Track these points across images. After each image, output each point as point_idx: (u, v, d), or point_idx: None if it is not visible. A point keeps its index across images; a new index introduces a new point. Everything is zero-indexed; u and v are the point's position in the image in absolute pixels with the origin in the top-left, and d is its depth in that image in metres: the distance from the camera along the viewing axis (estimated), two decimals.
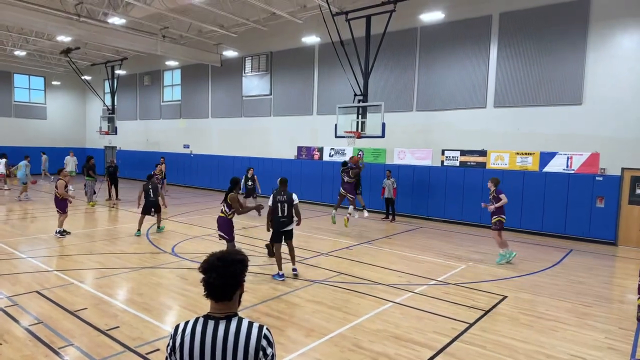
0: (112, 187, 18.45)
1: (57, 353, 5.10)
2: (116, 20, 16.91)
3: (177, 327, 2.17)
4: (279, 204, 8.21)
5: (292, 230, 8.37)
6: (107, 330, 5.73)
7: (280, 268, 8.23)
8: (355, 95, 14.75)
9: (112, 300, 6.90)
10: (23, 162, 18.42)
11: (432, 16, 14.34)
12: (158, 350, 5.23)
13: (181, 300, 7.01)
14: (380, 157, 17.02)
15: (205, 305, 7.12)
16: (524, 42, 13.64)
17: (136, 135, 27.98)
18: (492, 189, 9.93)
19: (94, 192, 17.33)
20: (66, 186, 11.57)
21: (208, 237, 11.85)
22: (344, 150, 17.98)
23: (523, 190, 13.75)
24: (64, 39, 18.98)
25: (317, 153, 19.08)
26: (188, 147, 24.91)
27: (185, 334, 2.10)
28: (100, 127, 26.00)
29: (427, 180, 15.69)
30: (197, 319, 2.13)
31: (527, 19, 13.54)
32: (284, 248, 8.44)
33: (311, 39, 17.56)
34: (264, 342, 2.07)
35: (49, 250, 10.03)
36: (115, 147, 29.06)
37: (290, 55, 19.66)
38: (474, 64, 14.63)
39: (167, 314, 6.56)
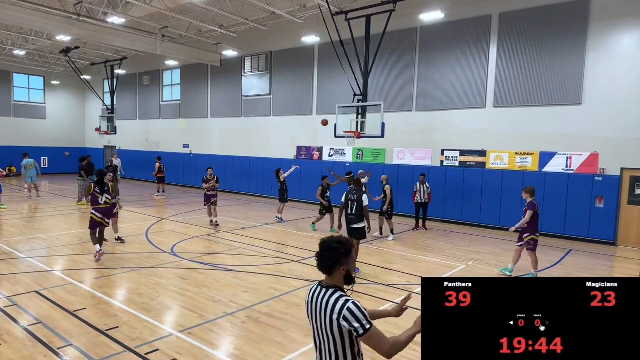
0: None
1: (56, 353, 5.09)
2: (116, 19, 16.90)
3: (310, 287, 2.81)
4: (349, 202, 8.77)
5: (362, 229, 8.68)
6: (107, 330, 5.73)
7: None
8: (355, 95, 14.76)
9: (112, 301, 6.89)
10: (32, 161, 18.40)
11: (431, 16, 14.34)
12: (157, 350, 5.22)
13: (180, 300, 7.00)
14: (380, 157, 17.02)
15: (204, 305, 7.04)
16: (523, 42, 13.64)
17: (136, 135, 27.96)
18: (529, 200, 8.62)
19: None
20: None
21: (207, 237, 11.85)
22: (343, 150, 17.98)
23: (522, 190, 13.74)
24: (63, 38, 18.96)
25: (316, 153, 19.07)
26: (188, 147, 24.90)
27: (310, 293, 2.76)
28: (99, 127, 25.91)
29: (426, 180, 15.64)
30: (317, 285, 2.74)
31: (527, 19, 13.53)
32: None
33: (311, 39, 17.56)
34: (346, 313, 2.50)
35: (48, 250, 10.02)
36: (115, 146, 29.04)
37: (290, 55, 19.65)
38: (474, 63, 14.62)
39: (166, 314, 6.55)
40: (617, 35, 12.28)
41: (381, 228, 12.84)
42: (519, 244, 8.81)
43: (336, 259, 2.64)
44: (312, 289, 2.76)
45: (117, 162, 20.57)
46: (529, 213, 8.45)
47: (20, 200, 17.75)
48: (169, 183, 23.46)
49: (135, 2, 15.71)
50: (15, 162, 26.20)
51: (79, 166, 17.19)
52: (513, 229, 8.64)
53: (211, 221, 13.49)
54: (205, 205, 13.60)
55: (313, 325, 2.71)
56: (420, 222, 14.02)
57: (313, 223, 13.40)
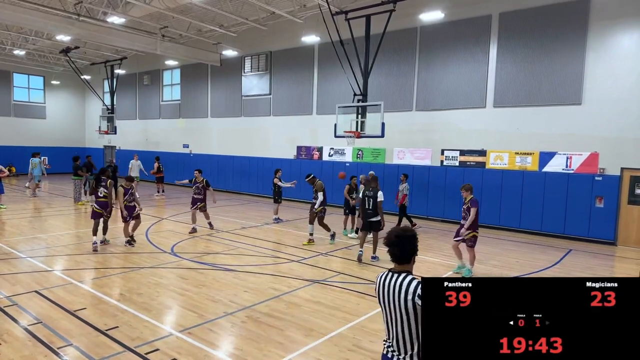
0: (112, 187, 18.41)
1: (56, 353, 5.09)
2: (115, 19, 16.90)
3: (378, 276, 3.03)
4: (366, 198, 9.74)
5: (378, 222, 9.63)
6: (107, 330, 5.73)
7: (361, 246, 9.86)
8: (355, 95, 14.75)
9: (112, 300, 6.89)
10: (36, 160, 18.47)
11: (431, 16, 14.33)
12: (157, 350, 5.22)
13: (180, 300, 7.00)
14: (380, 157, 17.02)
15: (204, 305, 7.02)
16: (523, 42, 13.64)
17: (135, 134, 27.96)
18: (468, 197, 8.64)
19: (84, 192, 17.35)
20: (126, 193, 10.30)
21: (207, 237, 11.84)
22: (343, 150, 17.98)
23: (522, 190, 13.76)
24: (63, 38, 18.95)
25: (316, 153, 19.07)
26: (187, 147, 24.90)
27: (380, 280, 2.98)
28: (99, 127, 25.98)
29: (426, 180, 15.68)
30: (387, 272, 2.97)
31: (527, 19, 13.53)
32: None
33: (311, 39, 17.55)
34: (420, 291, 2.71)
35: (48, 250, 10.02)
36: (115, 146, 29.05)
37: (290, 55, 19.64)
38: (474, 63, 14.62)
39: (166, 314, 6.55)
40: (617, 35, 12.28)
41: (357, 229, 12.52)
42: (456, 238, 8.85)
43: (415, 246, 2.94)
44: (382, 276, 2.99)
45: (137, 163, 20.27)
46: (473, 210, 8.46)
47: (20, 200, 17.75)
48: (169, 183, 23.46)
49: (135, 2, 15.70)
50: (15, 162, 26.20)
51: (73, 165, 17.22)
52: (464, 230, 8.59)
53: (194, 228, 12.27)
54: (191, 208, 12.54)
55: (385, 309, 2.93)
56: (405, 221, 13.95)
57: (344, 229, 12.78)
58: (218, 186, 22.70)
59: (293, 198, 18.91)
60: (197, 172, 12.75)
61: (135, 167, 19.89)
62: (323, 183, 11.70)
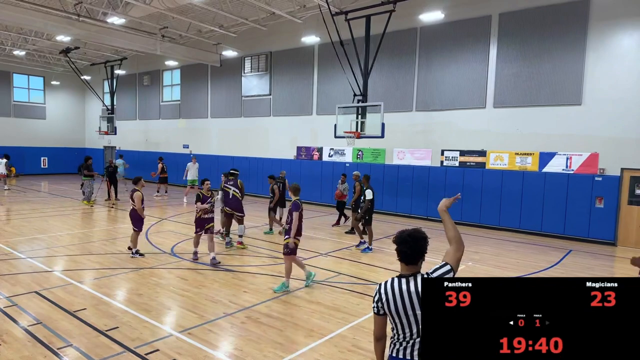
0: (111, 187, 18.44)
1: (56, 353, 5.09)
2: (115, 19, 16.90)
3: (380, 285, 2.95)
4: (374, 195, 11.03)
5: None
6: (106, 330, 5.72)
7: (370, 243, 10.82)
8: (355, 95, 14.75)
9: (111, 301, 6.88)
10: (120, 161, 19.39)
11: (431, 16, 14.34)
12: (157, 350, 5.22)
13: (180, 301, 7.00)
14: (380, 157, 17.02)
15: (204, 305, 6.99)
16: (523, 42, 13.64)
17: (135, 135, 27.96)
18: (293, 199, 7.65)
19: (92, 192, 17.35)
20: (143, 199, 9.53)
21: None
22: (343, 150, 17.98)
23: (522, 190, 13.76)
24: (63, 38, 18.97)
25: (316, 153, 19.07)
26: (187, 147, 24.89)
27: (387, 288, 2.89)
28: (99, 127, 25.99)
29: (426, 180, 15.68)
30: (393, 279, 2.91)
31: (527, 19, 13.54)
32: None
33: (311, 39, 17.56)
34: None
35: (48, 250, 10.01)
36: (115, 147, 29.06)
37: (290, 55, 19.65)
38: (474, 64, 14.62)
39: (166, 315, 6.55)
40: (617, 35, 12.28)
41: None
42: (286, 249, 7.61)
43: (425, 248, 3.01)
44: (389, 283, 2.89)
45: (196, 166, 19.16)
46: (295, 215, 7.41)
47: (20, 200, 17.75)
48: (172, 184, 23.46)
49: (135, 2, 15.71)
50: (15, 162, 26.17)
51: (84, 165, 17.17)
52: (290, 238, 7.42)
53: (199, 256, 9.46)
54: (197, 232, 9.38)
55: (400, 315, 2.82)
56: (342, 219, 14.33)
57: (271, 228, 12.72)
58: (217, 186, 22.69)
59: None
60: (207, 182, 9.54)
61: (192, 170, 18.86)
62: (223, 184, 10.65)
